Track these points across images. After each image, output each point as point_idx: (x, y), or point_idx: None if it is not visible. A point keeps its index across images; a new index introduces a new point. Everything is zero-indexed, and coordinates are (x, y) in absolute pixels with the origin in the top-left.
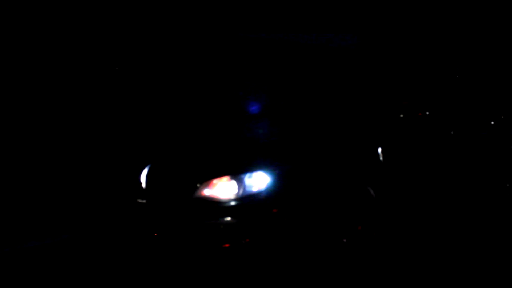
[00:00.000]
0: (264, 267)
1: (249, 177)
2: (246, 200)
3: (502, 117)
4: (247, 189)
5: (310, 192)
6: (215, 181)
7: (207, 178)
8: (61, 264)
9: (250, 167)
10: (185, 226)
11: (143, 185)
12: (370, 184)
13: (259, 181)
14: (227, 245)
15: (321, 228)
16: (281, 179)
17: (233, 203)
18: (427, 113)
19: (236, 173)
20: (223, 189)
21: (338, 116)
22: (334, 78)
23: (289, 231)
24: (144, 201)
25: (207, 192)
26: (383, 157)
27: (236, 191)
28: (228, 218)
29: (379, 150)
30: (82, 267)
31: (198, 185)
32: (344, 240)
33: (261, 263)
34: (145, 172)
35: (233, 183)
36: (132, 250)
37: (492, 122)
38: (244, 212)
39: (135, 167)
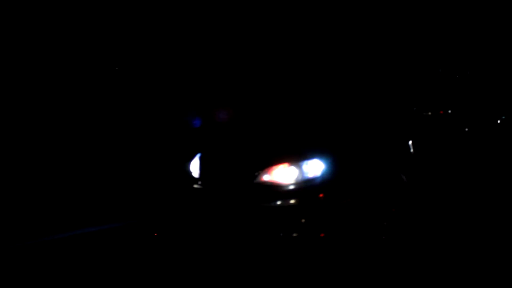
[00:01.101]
0: (319, 244)
1: (306, 164)
2: (304, 184)
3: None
4: (304, 175)
5: (356, 178)
6: (276, 167)
7: (269, 164)
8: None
9: (307, 155)
10: (246, 208)
11: (195, 172)
12: (402, 171)
13: (314, 167)
14: (286, 225)
15: (366, 210)
16: (333, 166)
17: (292, 187)
18: (449, 111)
19: (296, 160)
20: (283, 174)
21: (377, 114)
22: (378, 82)
23: (341, 212)
24: (200, 186)
25: (267, 177)
26: (413, 148)
27: (295, 176)
28: (288, 201)
29: (410, 142)
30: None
31: (259, 171)
32: (385, 223)
33: (317, 241)
34: (195, 161)
35: (293, 169)
36: (190, 232)
37: (499, 120)
38: (302, 195)
39: (180, 157)
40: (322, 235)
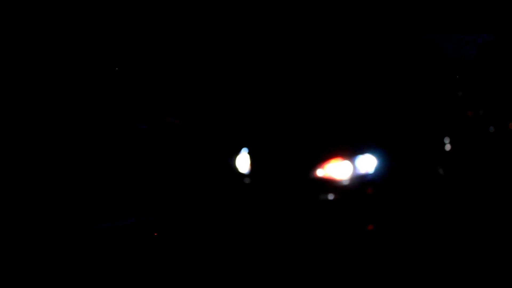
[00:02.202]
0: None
1: (359, 159)
2: (357, 180)
3: None
4: (357, 170)
5: (403, 173)
6: (330, 162)
7: (324, 160)
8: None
9: (361, 150)
10: (301, 202)
11: (242, 168)
12: (440, 165)
13: (367, 163)
14: (343, 221)
15: (410, 204)
16: (384, 162)
17: (346, 182)
18: (481, 112)
19: (349, 155)
20: (337, 169)
21: (420, 114)
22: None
23: (388, 207)
24: (250, 182)
25: (321, 173)
26: (450, 144)
27: (349, 172)
28: (342, 196)
29: (447, 139)
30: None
31: (314, 166)
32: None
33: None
34: (242, 156)
35: (347, 163)
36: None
37: None
38: (355, 190)
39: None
40: (370, 227)
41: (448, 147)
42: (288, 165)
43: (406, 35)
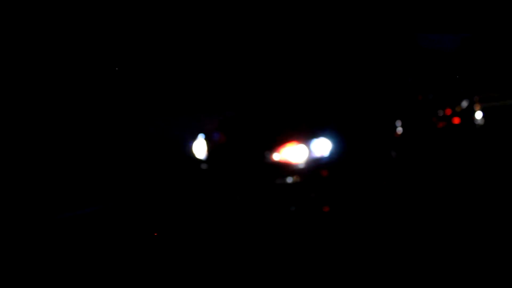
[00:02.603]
0: (324, 217)
1: (315, 142)
2: (312, 163)
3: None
4: (313, 154)
5: (356, 155)
6: (286, 146)
7: (279, 143)
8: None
9: (316, 134)
10: (257, 186)
11: (199, 154)
12: (392, 148)
13: (321, 146)
14: (296, 201)
15: (363, 185)
16: (338, 145)
17: (301, 166)
18: (430, 96)
19: (304, 139)
20: (293, 153)
21: (373, 98)
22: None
23: (342, 188)
24: (207, 167)
25: (277, 156)
26: (401, 127)
27: (304, 155)
28: (297, 178)
29: (399, 123)
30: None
31: (269, 150)
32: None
33: (325, 214)
34: (198, 142)
35: (302, 147)
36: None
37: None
38: (310, 173)
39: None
40: (326, 209)
41: (399, 130)
42: (245, 149)
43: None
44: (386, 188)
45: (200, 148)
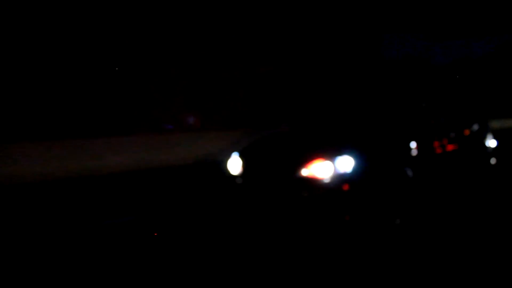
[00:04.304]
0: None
1: (339, 160)
2: (337, 178)
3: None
4: (337, 169)
5: (376, 172)
6: (315, 162)
7: (308, 160)
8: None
9: (340, 152)
10: (288, 198)
11: (233, 170)
12: (408, 167)
13: (345, 163)
14: (324, 214)
15: (382, 198)
16: (360, 162)
17: (327, 181)
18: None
19: (330, 156)
20: (320, 169)
21: (391, 121)
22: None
23: (363, 201)
24: (242, 182)
25: (305, 172)
26: (416, 148)
27: (330, 171)
28: (324, 192)
29: (413, 144)
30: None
31: (299, 166)
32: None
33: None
34: (233, 159)
35: (328, 163)
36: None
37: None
38: (334, 186)
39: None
40: (347, 218)
41: (414, 151)
42: (277, 166)
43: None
44: (402, 202)
45: (234, 164)
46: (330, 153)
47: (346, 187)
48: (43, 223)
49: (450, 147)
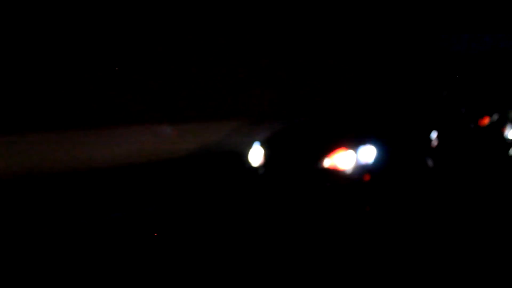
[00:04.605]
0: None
1: (361, 150)
2: (359, 168)
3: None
4: (359, 160)
5: (396, 161)
6: (336, 152)
7: (330, 150)
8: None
9: (363, 141)
10: (311, 190)
11: (255, 160)
12: (428, 157)
13: (368, 153)
14: (345, 204)
15: (403, 188)
16: (382, 152)
17: (350, 171)
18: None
19: (352, 146)
20: (343, 159)
21: (412, 111)
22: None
23: (383, 192)
24: (264, 172)
25: (328, 162)
26: (437, 138)
27: (352, 161)
28: (346, 183)
29: (434, 134)
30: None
31: (321, 157)
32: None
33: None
34: (254, 150)
35: (350, 153)
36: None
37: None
38: (356, 176)
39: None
40: (367, 208)
41: (435, 141)
42: (300, 156)
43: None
44: (423, 192)
45: (256, 155)
46: (353, 143)
47: (367, 177)
48: None
49: (469, 137)
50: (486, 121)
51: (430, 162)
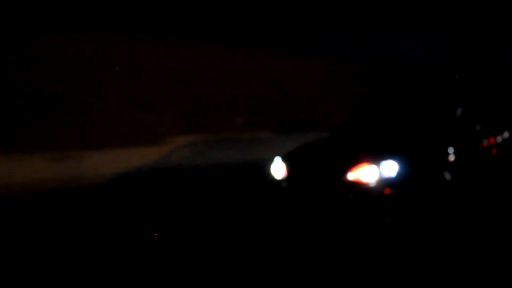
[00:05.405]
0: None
1: (383, 164)
2: (381, 182)
3: None
4: (382, 174)
5: (417, 176)
6: (360, 167)
7: (354, 164)
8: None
9: (385, 157)
10: (334, 202)
11: (277, 175)
12: (446, 171)
13: (390, 168)
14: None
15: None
16: (403, 167)
17: (372, 184)
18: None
19: (375, 160)
20: (366, 173)
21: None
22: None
23: (403, 205)
24: (287, 185)
25: (351, 176)
26: (454, 153)
27: (375, 175)
28: (367, 196)
29: (451, 149)
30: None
31: (345, 170)
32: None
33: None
34: (277, 164)
35: (373, 167)
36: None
37: None
38: (379, 191)
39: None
40: (388, 220)
41: (452, 156)
42: (323, 170)
43: None
44: (441, 204)
45: (278, 168)
46: (375, 157)
47: (387, 190)
48: None
49: (485, 151)
50: (498, 138)
51: (447, 176)
